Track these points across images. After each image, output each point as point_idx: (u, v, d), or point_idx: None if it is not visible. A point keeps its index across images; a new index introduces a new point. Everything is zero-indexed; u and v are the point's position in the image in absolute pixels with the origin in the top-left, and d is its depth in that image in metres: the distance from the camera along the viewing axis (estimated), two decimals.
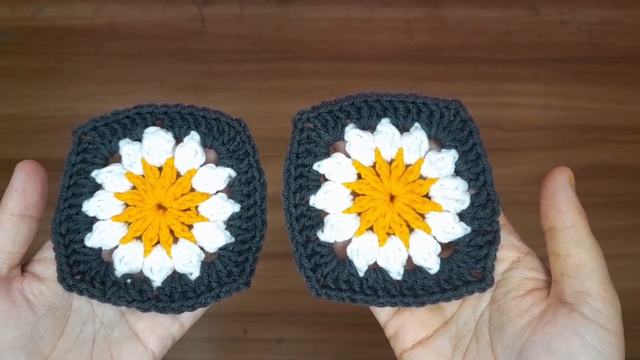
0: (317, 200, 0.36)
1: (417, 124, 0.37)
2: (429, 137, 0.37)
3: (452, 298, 0.35)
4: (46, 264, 0.36)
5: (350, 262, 0.36)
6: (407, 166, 0.37)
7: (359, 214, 0.36)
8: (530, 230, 0.39)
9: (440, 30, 0.94)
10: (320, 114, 0.37)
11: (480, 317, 0.35)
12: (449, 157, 0.36)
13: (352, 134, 0.37)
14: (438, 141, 0.37)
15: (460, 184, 0.36)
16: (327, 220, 0.36)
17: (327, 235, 0.36)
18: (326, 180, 0.37)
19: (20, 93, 0.89)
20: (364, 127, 0.37)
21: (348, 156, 0.37)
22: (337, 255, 0.36)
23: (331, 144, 0.38)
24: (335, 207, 0.36)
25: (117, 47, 0.92)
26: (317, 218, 0.37)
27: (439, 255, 0.36)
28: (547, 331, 0.31)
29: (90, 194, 0.37)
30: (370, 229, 0.36)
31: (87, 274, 0.36)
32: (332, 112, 0.37)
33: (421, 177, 0.37)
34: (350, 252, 0.36)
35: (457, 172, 0.36)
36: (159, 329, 0.36)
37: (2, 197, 0.34)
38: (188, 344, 0.80)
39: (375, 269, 0.36)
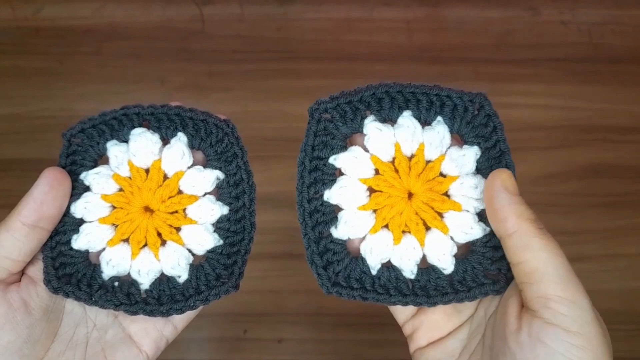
0: (331, 195, 0.35)
1: (439, 118, 0.35)
2: (451, 132, 0.35)
3: (465, 300, 0.33)
4: (40, 265, 0.35)
5: (363, 260, 0.35)
6: (427, 162, 0.35)
7: (375, 210, 0.35)
8: None
9: (440, 30, 0.94)
10: (338, 105, 0.35)
11: (489, 319, 0.34)
12: (470, 154, 0.34)
13: (372, 127, 0.35)
14: (460, 136, 0.36)
15: (481, 183, 0.34)
16: (341, 216, 0.35)
17: (340, 231, 0.35)
18: (342, 174, 0.35)
19: (20, 93, 0.89)
20: (384, 120, 0.35)
21: (366, 150, 0.35)
22: (349, 252, 0.35)
23: (349, 137, 0.36)
24: (350, 203, 0.35)
25: (117, 47, 0.92)
26: (331, 213, 0.35)
27: (454, 256, 0.34)
28: (515, 339, 0.30)
29: (79, 195, 0.36)
30: (386, 226, 0.35)
31: (74, 276, 0.35)
32: (351, 102, 0.35)
33: (441, 174, 0.35)
34: (364, 249, 0.35)
35: (478, 170, 0.35)
36: (153, 331, 0.36)
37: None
38: (188, 344, 0.80)
39: (388, 267, 0.35)
